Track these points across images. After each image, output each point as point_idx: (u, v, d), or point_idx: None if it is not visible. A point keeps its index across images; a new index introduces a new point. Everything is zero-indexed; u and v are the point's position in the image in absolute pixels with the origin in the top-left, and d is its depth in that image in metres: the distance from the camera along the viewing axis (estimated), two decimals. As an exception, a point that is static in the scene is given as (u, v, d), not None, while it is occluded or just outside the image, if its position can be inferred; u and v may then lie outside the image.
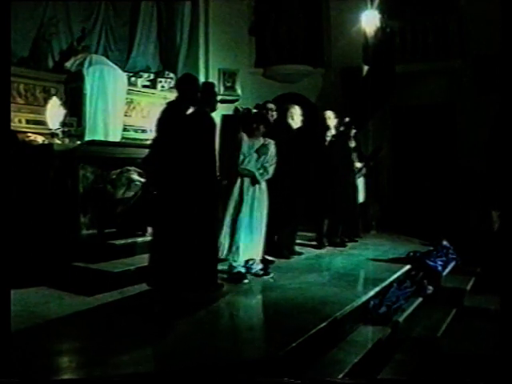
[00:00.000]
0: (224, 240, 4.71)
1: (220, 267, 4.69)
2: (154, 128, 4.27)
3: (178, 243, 3.89)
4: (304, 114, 6.06)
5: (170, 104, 4.24)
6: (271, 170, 4.93)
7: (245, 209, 4.76)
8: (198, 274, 3.99)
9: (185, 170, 3.94)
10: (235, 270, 4.73)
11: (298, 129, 5.98)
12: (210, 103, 4.34)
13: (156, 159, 4.08)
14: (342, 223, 6.85)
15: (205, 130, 4.10)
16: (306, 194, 6.14)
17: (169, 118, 4.10)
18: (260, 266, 4.90)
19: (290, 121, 5.89)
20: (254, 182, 4.84)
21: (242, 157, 4.83)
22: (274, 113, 5.64)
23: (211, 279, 4.19)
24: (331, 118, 6.67)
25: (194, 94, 4.12)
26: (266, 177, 4.92)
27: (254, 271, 4.85)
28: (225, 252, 4.71)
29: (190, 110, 4.05)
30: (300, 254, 6.10)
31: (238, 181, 4.82)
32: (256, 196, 4.83)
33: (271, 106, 5.66)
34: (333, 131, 6.66)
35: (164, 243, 3.94)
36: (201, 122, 4.10)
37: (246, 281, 4.70)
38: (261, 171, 4.87)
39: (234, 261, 4.73)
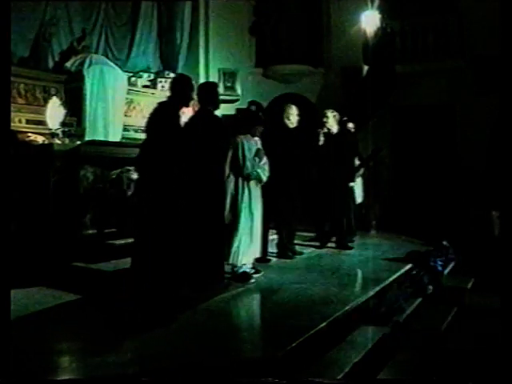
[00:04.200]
0: (235, 244, 4.70)
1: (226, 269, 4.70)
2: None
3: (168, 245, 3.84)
4: (301, 114, 6.04)
5: (163, 104, 4.11)
6: (267, 167, 4.92)
7: (246, 210, 4.75)
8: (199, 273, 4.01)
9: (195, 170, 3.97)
10: (240, 271, 4.71)
11: (296, 128, 5.97)
12: (213, 102, 4.43)
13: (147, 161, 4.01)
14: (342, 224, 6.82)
15: (217, 131, 4.15)
16: (306, 194, 6.13)
17: (165, 118, 4.03)
18: (250, 265, 4.87)
19: (286, 121, 5.87)
20: (260, 181, 4.84)
21: (245, 161, 4.76)
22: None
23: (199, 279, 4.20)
24: (330, 118, 6.57)
25: (188, 95, 4.10)
26: (267, 175, 4.91)
27: (244, 270, 4.83)
28: (231, 255, 4.69)
29: (185, 110, 4.08)
30: (300, 253, 6.10)
31: (243, 184, 4.79)
32: (254, 196, 4.82)
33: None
34: (334, 130, 6.55)
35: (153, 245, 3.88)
36: (212, 123, 4.16)
37: (252, 280, 4.69)
38: (265, 172, 4.87)
39: (237, 263, 4.72)
